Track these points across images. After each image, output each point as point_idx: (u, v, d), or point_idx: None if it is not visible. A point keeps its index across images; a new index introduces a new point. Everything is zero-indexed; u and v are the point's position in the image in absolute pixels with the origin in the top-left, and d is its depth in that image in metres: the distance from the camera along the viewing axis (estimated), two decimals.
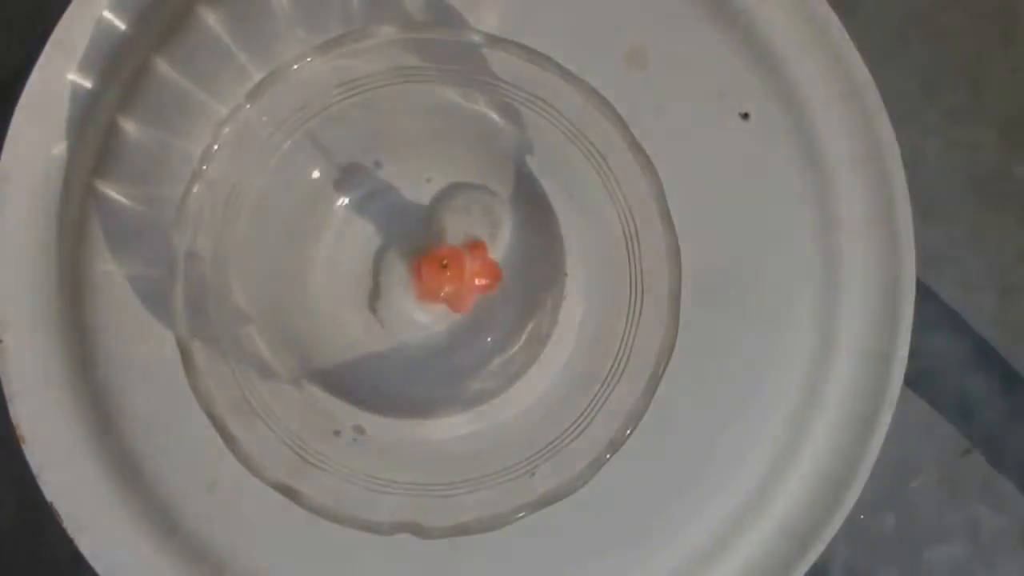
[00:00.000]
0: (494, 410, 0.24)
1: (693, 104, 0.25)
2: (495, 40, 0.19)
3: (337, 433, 0.23)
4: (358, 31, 0.19)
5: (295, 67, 0.19)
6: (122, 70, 0.24)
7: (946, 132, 0.28)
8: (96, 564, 0.23)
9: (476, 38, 0.19)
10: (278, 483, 0.19)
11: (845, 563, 0.28)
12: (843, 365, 0.25)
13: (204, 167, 0.19)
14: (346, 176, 0.24)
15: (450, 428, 0.24)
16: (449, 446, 0.23)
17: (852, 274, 0.25)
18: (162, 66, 0.24)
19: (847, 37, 0.24)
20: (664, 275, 0.20)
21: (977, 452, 0.28)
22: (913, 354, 0.25)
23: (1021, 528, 0.28)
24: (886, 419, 0.24)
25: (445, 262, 0.23)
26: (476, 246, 0.24)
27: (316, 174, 0.23)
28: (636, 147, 0.19)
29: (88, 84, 0.24)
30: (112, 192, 0.24)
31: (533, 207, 0.24)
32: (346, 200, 0.24)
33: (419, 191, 0.24)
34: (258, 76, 0.19)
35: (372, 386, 0.24)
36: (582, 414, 0.21)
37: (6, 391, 0.24)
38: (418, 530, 0.19)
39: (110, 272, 0.24)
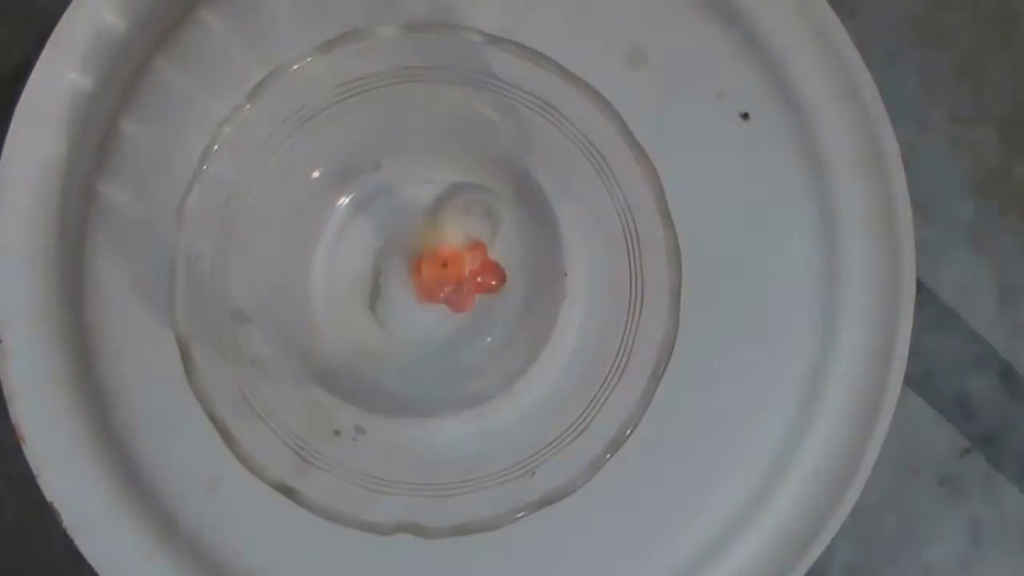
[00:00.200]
0: (494, 410, 0.24)
1: (693, 104, 0.25)
2: (495, 40, 0.19)
3: (337, 433, 0.23)
4: (358, 31, 0.19)
5: (295, 67, 0.19)
6: (122, 70, 0.24)
7: (946, 132, 0.28)
8: (96, 564, 0.23)
9: (476, 38, 0.19)
10: (278, 483, 0.19)
11: (845, 563, 0.28)
12: (843, 365, 0.25)
13: (204, 167, 0.19)
14: (346, 176, 0.24)
15: (450, 428, 0.24)
16: (449, 446, 0.23)
17: (852, 274, 0.25)
18: (162, 66, 0.24)
19: (847, 37, 0.24)
20: (664, 275, 0.20)
21: (977, 452, 0.28)
22: (913, 354, 0.25)
23: (1021, 528, 0.28)
24: (886, 419, 0.24)
25: (445, 262, 0.23)
26: (476, 246, 0.24)
27: (316, 174, 0.23)
28: (636, 147, 0.19)
29: (88, 84, 0.24)
30: (112, 192, 0.24)
31: (533, 207, 0.24)
32: (346, 200, 0.24)
33: (419, 191, 0.24)
34: (258, 76, 0.19)
35: (372, 386, 0.24)
36: (582, 414, 0.21)
37: (6, 391, 0.24)
38: (418, 530, 0.19)
39: (110, 272, 0.24)
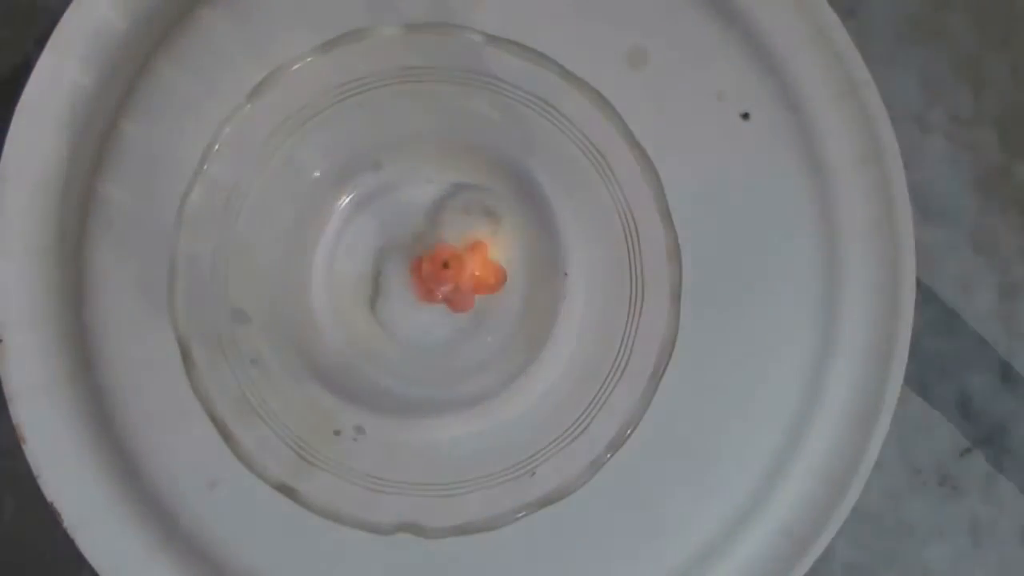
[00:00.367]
0: (494, 410, 0.24)
1: (693, 104, 0.25)
2: (495, 40, 0.19)
3: (337, 433, 0.23)
4: (358, 31, 0.19)
5: (295, 67, 0.19)
6: (122, 69, 0.24)
7: (946, 132, 0.28)
8: (96, 564, 0.24)
9: (476, 38, 0.19)
10: (278, 483, 0.19)
11: (845, 563, 0.28)
12: (843, 365, 0.25)
13: (204, 167, 0.19)
14: (346, 176, 0.24)
15: (450, 428, 0.24)
16: (449, 446, 0.23)
17: (852, 274, 0.25)
18: (162, 66, 0.24)
19: (847, 37, 0.24)
20: (664, 275, 0.20)
21: (977, 452, 0.28)
22: (913, 354, 0.25)
23: (1021, 528, 0.28)
24: (886, 419, 0.24)
25: (445, 262, 0.23)
26: (476, 246, 0.24)
27: (316, 174, 0.23)
28: (636, 147, 0.19)
29: (88, 84, 0.24)
30: (112, 191, 0.24)
31: (533, 207, 0.24)
32: (346, 200, 0.24)
33: (419, 191, 0.24)
34: (258, 76, 0.19)
35: (372, 386, 0.24)
36: (582, 414, 0.21)
37: (6, 391, 0.24)
38: (418, 530, 0.19)
39: (110, 271, 0.24)
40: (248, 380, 0.21)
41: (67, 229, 0.24)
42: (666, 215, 0.19)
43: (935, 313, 0.28)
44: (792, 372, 0.25)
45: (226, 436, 0.19)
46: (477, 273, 0.23)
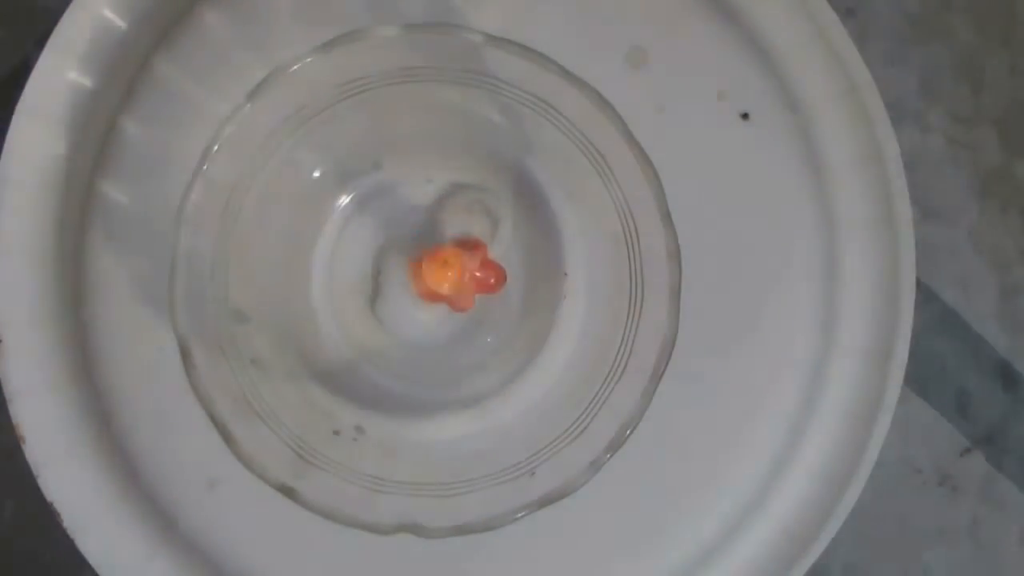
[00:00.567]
0: (494, 410, 0.24)
1: (693, 104, 0.25)
2: (495, 40, 0.19)
3: (337, 433, 0.23)
4: (358, 31, 0.19)
5: (295, 67, 0.19)
6: (122, 70, 0.24)
7: (946, 132, 0.28)
8: (96, 564, 0.23)
9: (476, 38, 0.19)
10: (278, 483, 0.19)
11: (845, 563, 0.28)
12: (843, 365, 0.25)
13: (204, 167, 0.19)
14: (346, 176, 0.24)
15: (450, 428, 0.24)
16: (449, 446, 0.23)
17: (852, 274, 0.25)
18: (162, 66, 0.24)
19: (847, 37, 0.24)
20: (664, 275, 0.20)
21: (977, 452, 0.28)
22: (913, 354, 0.25)
23: (1021, 528, 0.28)
24: (886, 419, 0.24)
25: (445, 262, 0.23)
26: (476, 246, 0.24)
27: (316, 174, 0.23)
28: (636, 147, 0.19)
29: (88, 84, 0.24)
30: (112, 192, 0.24)
31: (533, 207, 0.24)
32: (346, 200, 0.24)
33: (419, 191, 0.24)
34: (258, 76, 0.19)
35: (372, 386, 0.24)
36: (582, 414, 0.21)
37: (6, 391, 0.24)
38: (418, 530, 0.19)
39: (110, 272, 0.24)
40: (248, 380, 0.21)
41: (67, 229, 0.24)
42: (666, 215, 0.19)
43: (935, 313, 0.28)
44: (792, 372, 0.25)
45: (226, 436, 0.19)
46: (477, 273, 0.23)
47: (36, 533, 0.27)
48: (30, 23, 0.27)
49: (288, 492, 0.19)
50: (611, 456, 0.20)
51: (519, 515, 0.19)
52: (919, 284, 0.25)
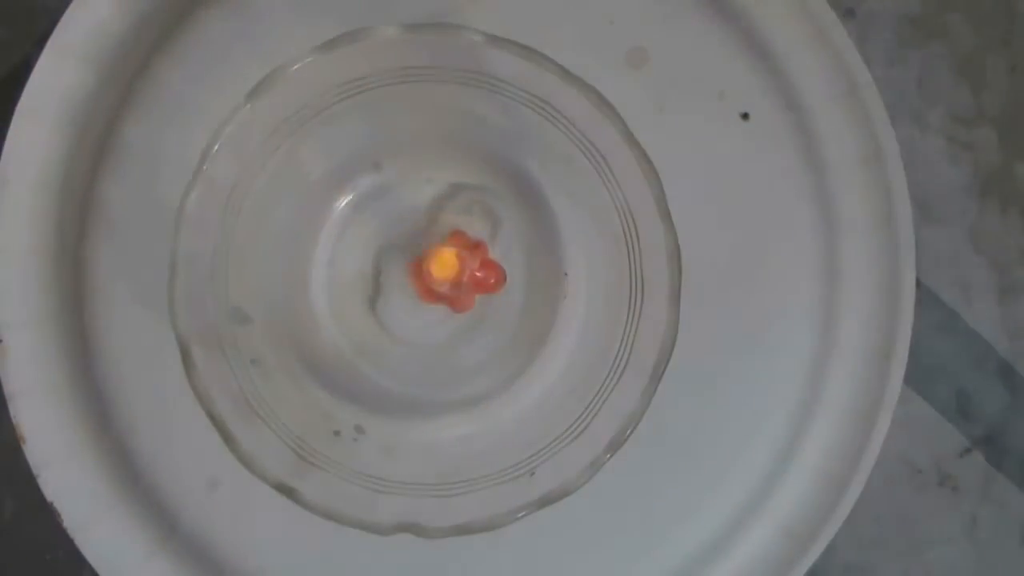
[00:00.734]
0: (494, 410, 0.24)
1: (693, 104, 0.25)
2: (495, 40, 0.19)
3: (337, 433, 0.23)
4: (358, 31, 0.19)
5: (295, 67, 0.19)
6: (122, 69, 0.24)
7: (946, 132, 0.28)
8: (96, 564, 0.24)
9: (476, 38, 0.19)
10: (278, 483, 0.19)
11: (845, 563, 0.28)
12: (843, 365, 0.25)
13: (204, 167, 0.19)
14: (346, 176, 0.24)
15: (450, 428, 0.24)
16: (449, 446, 0.23)
17: (852, 274, 0.25)
18: (162, 66, 0.24)
19: (847, 37, 0.24)
20: (664, 275, 0.20)
21: (977, 452, 0.28)
22: (913, 354, 0.25)
23: (1021, 528, 0.28)
24: (886, 419, 0.24)
25: (445, 262, 0.23)
26: (476, 246, 0.24)
27: (316, 174, 0.23)
28: (636, 147, 0.19)
29: (88, 84, 0.24)
30: (112, 192, 0.24)
31: (533, 207, 0.24)
32: (346, 200, 0.24)
33: (419, 191, 0.24)
34: (258, 76, 0.19)
35: (372, 386, 0.24)
36: (582, 414, 0.21)
37: (6, 391, 0.24)
38: (418, 530, 0.19)
39: (110, 272, 0.24)
40: (248, 380, 0.21)
41: (67, 229, 0.24)
42: (666, 215, 0.19)
43: (935, 313, 0.28)
44: (792, 372, 0.25)
45: (226, 436, 0.19)
46: (477, 273, 0.23)
47: (36, 533, 0.27)
48: (30, 23, 0.27)
49: (288, 492, 0.19)
50: (611, 456, 0.20)
51: (519, 515, 0.19)
52: (919, 284, 0.25)
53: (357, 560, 0.24)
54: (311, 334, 0.24)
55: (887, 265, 0.25)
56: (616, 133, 0.19)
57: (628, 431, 0.20)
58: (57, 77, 0.24)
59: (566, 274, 0.24)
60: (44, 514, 0.23)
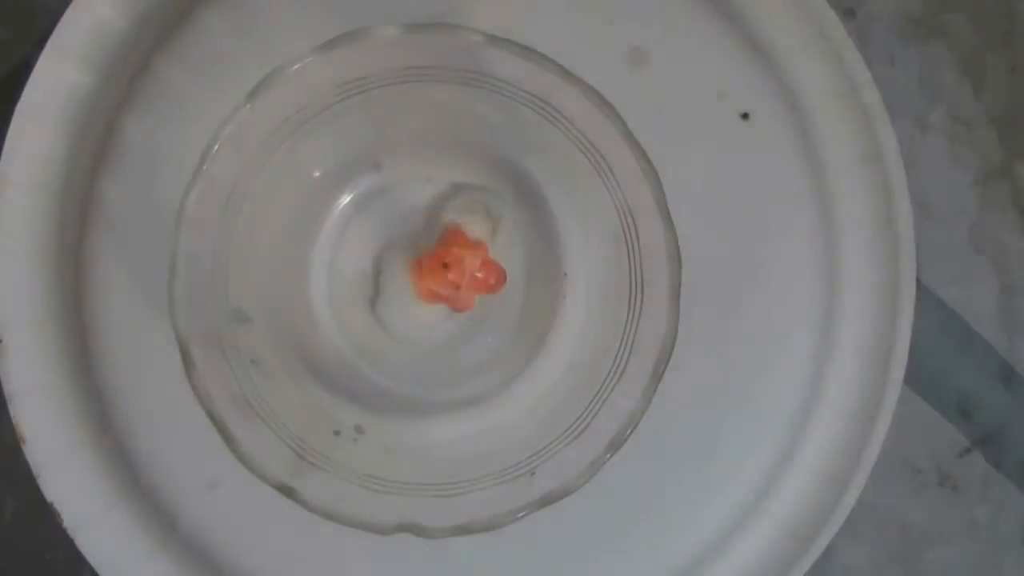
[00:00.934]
0: (494, 410, 0.24)
1: (693, 104, 0.25)
2: (495, 40, 0.19)
3: (337, 433, 0.23)
4: (358, 31, 0.19)
5: (295, 67, 0.19)
6: (122, 69, 0.24)
7: (946, 132, 0.28)
8: (96, 564, 0.23)
9: (476, 38, 0.19)
10: (278, 483, 0.19)
11: (845, 563, 0.28)
12: (843, 364, 0.25)
13: (204, 167, 0.19)
14: (346, 176, 0.24)
15: (450, 428, 0.24)
16: (449, 446, 0.23)
17: (852, 274, 0.25)
18: (162, 66, 0.24)
19: (847, 37, 0.24)
20: (664, 275, 0.20)
21: (977, 452, 0.28)
22: (913, 354, 0.25)
23: (1021, 528, 0.28)
24: (886, 419, 0.24)
25: (446, 262, 0.23)
26: (476, 246, 0.24)
27: (316, 174, 0.23)
28: (636, 147, 0.19)
29: (88, 84, 0.24)
30: (112, 192, 0.24)
31: (533, 207, 0.24)
32: (346, 200, 0.24)
33: (419, 191, 0.24)
34: (258, 76, 0.19)
35: (372, 386, 0.24)
36: (582, 414, 0.21)
37: (6, 391, 0.24)
38: (418, 530, 0.19)
39: (110, 272, 0.24)
40: (248, 380, 0.21)
41: (67, 229, 0.24)
42: (666, 215, 0.19)
43: (935, 313, 0.28)
44: (792, 372, 0.25)
45: (226, 436, 0.19)
46: (477, 273, 0.23)
47: (36, 533, 0.27)
48: (30, 23, 0.27)
49: (288, 492, 0.19)
50: (611, 456, 0.20)
51: (519, 515, 0.19)
52: (919, 284, 0.25)
53: (357, 560, 0.24)
54: (311, 334, 0.24)
55: (887, 265, 0.25)
56: (616, 133, 0.19)
57: (628, 431, 0.20)
58: (57, 77, 0.24)
59: (566, 274, 0.24)
60: (44, 514, 0.23)
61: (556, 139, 0.21)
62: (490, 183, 0.24)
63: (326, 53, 0.19)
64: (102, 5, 0.24)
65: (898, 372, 0.24)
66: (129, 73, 0.24)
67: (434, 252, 0.24)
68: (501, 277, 0.24)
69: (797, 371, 0.25)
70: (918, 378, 0.28)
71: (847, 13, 0.28)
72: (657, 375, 0.20)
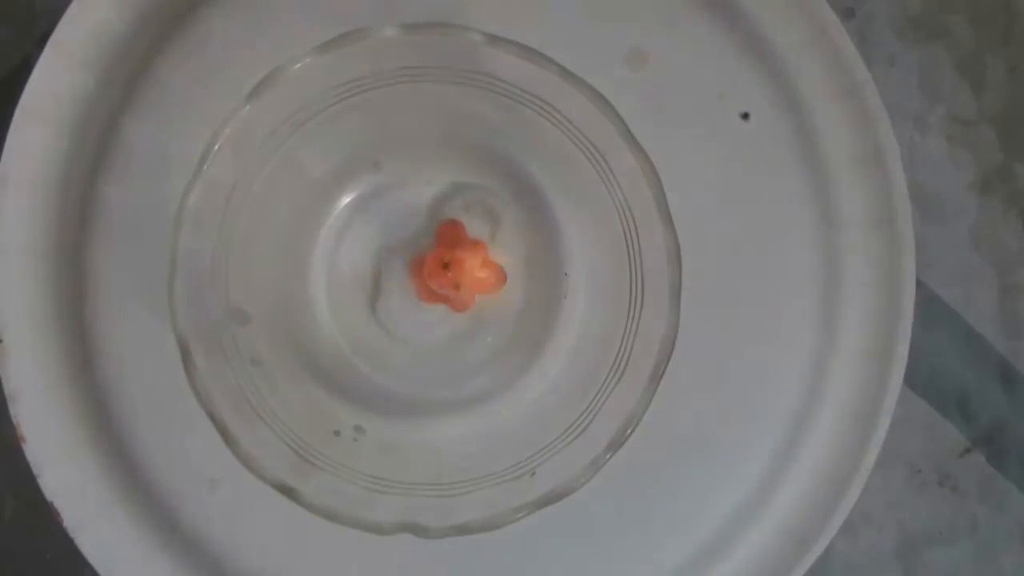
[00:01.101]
0: (494, 410, 0.24)
1: (693, 104, 0.25)
2: (495, 40, 0.19)
3: (337, 433, 0.23)
4: (358, 31, 0.19)
5: (295, 67, 0.19)
6: (122, 70, 0.24)
7: (946, 132, 0.28)
8: (96, 564, 0.24)
9: (476, 38, 0.19)
10: (278, 483, 0.19)
11: (845, 563, 0.28)
12: (843, 365, 0.25)
13: (204, 167, 0.19)
14: (346, 176, 0.24)
15: (450, 428, 0.24)
16: (449, 446, 0.23)
17: (852, 274, 0.25)
18: (162, 66, 0.24)
19: (847, 37, 0.24)
20: (664, 275, 0.20)
21: (977, 452, 0.28)
22: (913, 354, 0.25)
23: (1021, 528, 0.28)
24: (886, 419, 0.24)
25: (446, 262, 0.23)
26: (476, 246, 0.24)
27: (316, 174, 0.23)
28: (636, 147, 0.19)
29: (88, 84, 0.24)
30: (112, 192, 0.24)
31: (533, 207, 0.24)
32: (346, 200, 0.24)
33: (419, 191, 0.24)
34: (258, 76, 0.19)
35: (372, 386, 0.24)
36: (582, 414, 0.21)
37: (6, 391, 0.24)
38: (418, 530, 0.19)
39: (110, 271, 0.24)
40: (248, 380, 0.21)
41: (67, 229, 0.24)
42: (666, 215, 0.19)
43: (935, 313, 0.28)
44: (792, 372, 0.25)
45: (226, 436, 0.19)
46: (477, 273, 0.23)
47: (36, 533, 0.27)
48: (30, 23, 0.27)
49: (288, 492, 0.19)
50: (611, 456, 0.20)
51: (519, 515, 0.19)
52: (919, 284, 0.25)
53: (357, 560, 0.24)
54: (311, 334, 0.24)
55: (887, 265, 0.25)
56: (616, 133, 0.19)
57: (628, 431, 0.20)
58: (57, 77, 0.24)
59: (566, 274, 0.24)
60: (44, 514, 0.23)
61: (556, 139, 0.21)
62: (490, 183, 0.24)
63: (326, 53, 0.19)
64: (102, 5, 0.24)
65: (898, 372, 0.24)
66: (129, 73, 0.24)
67: (434, 252, 0.24)
68: (501, 277, 0.24)
69: (797, 371, 0.25)
70: (918, 378, 0.28)
71: (847, 13, 0.28)
72: (657, 375, 0.20)
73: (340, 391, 0.24)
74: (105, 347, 0.24)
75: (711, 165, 0.25)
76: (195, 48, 0.24)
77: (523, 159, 0.24)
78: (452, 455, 0.23)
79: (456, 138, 0.24)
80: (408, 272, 0.24)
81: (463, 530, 0.19)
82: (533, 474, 0.21)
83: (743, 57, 0.25)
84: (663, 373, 0.20)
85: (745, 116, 0.25)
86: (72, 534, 0.23)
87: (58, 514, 0.23)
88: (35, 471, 0.23)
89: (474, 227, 0.24)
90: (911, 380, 0.27)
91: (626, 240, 0.21)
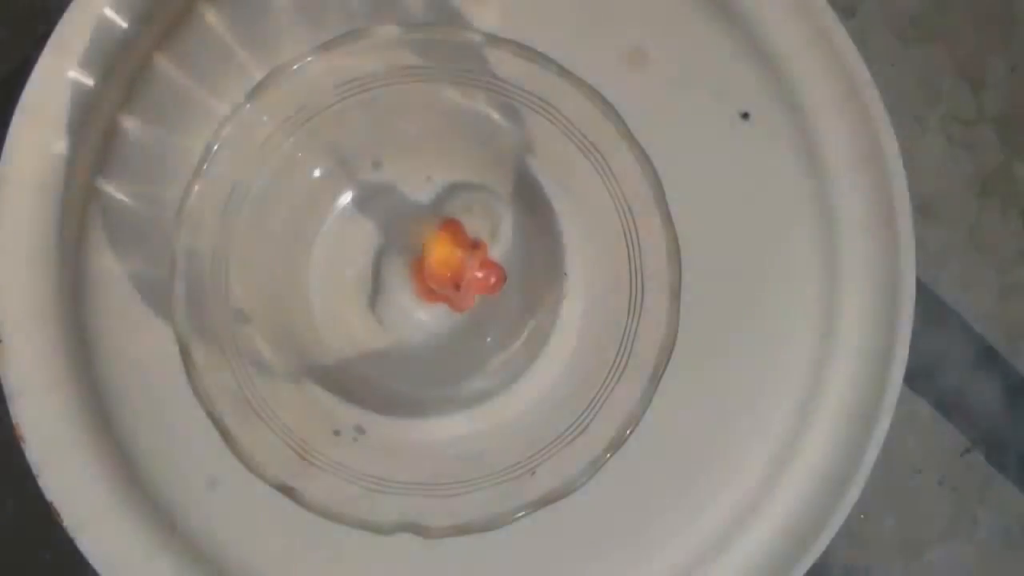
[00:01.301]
0: (494, 410, 0.24)
1: (693, 104, 0.25)
2: (495, 40, 0.19)
3: (337, 433, 0.23)
4: (358, 31, 0.19)
5: (295, 67, 0.19)
6: (122, 69, 0.24)
7: (946, 132, 0.28)
8: (96, 564, 0.23)
9: (476, 38, 0.19)
10: (278, 483, 0.19)
11: (845, 563, 0.28)
12: (843, 364, 0.25)
13: (204, 166, 0.19)
14: (346, 176, 0.24)
15: (450, 428, 0.24)
16: (449, 446, 0.23)
17: (852, 274, 0.25)
18: (162, 65, 0.24)
19: (847, 37, 0.24)
20: (664, 274, 0.20)
21: (977, 452, 0.28)
22: (913, 354, 0.25)
23: (1021, 528, 0.28)
24: (886, 419, 0.24)
25: (445, 262, 0.23)
26: (476, 246, 0.24)
27: (316, 174, 0.23)
28: (636, 147, 0.19)
29: (88, 84, 0.24)
30: (112, 191, 0.24)
31: (533, 207, 0.24)
32: (346, 200, 0.24)
33: (419, 191, 0.24)
34: (258, 76, 0.19)
35: (372, 386, 0.24)
36: (582, 414, 0.21)
37: (6, 391, 0.24)
38: (418, 530, 0.19)
39: (110, 271, 0.24)
40: (248, 380, 0.21)
41: (67, 229, 0.24)
42: (666, 215, 0.19)
43: (935, 313, 0.28)
44: (792, 372, 0.25)
45: (226, 436, 0.19)
46: (477, 273, 0.23)
47: (36, 533, 0.27)
48: (30, 23, 0.27)
49: (288, 492, 0.19)
50: (611, 456, 0.20)
51: (519, 515, 0.19)
52: (919, 284, 0.25)
53: (357, 560, 0.24)
54: (311, 334, 0.24)
55: (887, 265, 0.25)
56: (616, 133, 0.19)
57: (628, 431, 0.20)
58: (57, 77, 0.24)
59: (566, 274, 0.24)
60: (44, 514, 0.23)
61: (556, 139, 0.21)
62: (490, 183, 0.24)
63: (326, 53, 0.19)
64: (102, 5, 0.24)
65: (898, 372, 0.24)
66: (129, 72, 0.24)
67: (434, 252, 0.24)
68: (501, 277, 0.24)
69: (797, 371, 0.25)
70: (918, 378, 0.28)
71: (847, 13, 0.28)
72: (657, 375, 0.20)
73: (340, 391, 0.24)
74: (105, 347, 0.24)
75: (711, 165, 0.25)
76: (195, 48, 0.24)
77: (523, 159, 0.24)
78: (452, 455, 0.23)
79: (456, 138, 0.24)
80: (408, 272, 0.24)
81: (463, 530, 0.19)
82: (533, 474, 0.21)
83: (743, 57, 0.25)
84: (663, 373, 0.20)
85: (745, 116, 0.25)
86: (72, 534, 0.23)
87: (58, 514, 0.23)
88: (35, 471, 0.23)
89: (474, 227, 0.24)
90: (911, 380, 0.27)
91: (626, 240, 0.21)
